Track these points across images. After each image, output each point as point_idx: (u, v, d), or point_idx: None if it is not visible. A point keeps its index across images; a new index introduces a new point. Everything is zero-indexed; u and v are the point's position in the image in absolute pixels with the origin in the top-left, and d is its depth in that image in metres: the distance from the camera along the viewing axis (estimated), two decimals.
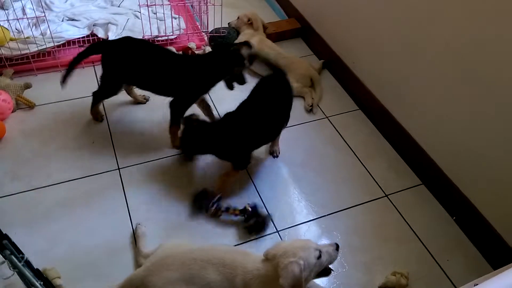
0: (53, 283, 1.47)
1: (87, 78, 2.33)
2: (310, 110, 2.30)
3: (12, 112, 2.11)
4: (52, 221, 1.69)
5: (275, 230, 1.74)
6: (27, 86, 2.19)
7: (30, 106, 2.16)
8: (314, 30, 2.68)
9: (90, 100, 2.04)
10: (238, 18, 2.65)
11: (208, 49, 2.46)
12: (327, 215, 1.81)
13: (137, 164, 1.94)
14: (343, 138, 2.17)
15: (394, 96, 2.10)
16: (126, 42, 1.91)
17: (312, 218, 1.79)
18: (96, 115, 2.12)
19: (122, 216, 1.73)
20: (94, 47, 1.95)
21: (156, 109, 2.18)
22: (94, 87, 2.02)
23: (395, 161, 2.08)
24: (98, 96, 2.04)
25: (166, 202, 1.80)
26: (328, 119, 2.27)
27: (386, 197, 1.90)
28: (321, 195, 1.89)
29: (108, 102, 2.16)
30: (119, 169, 1.91)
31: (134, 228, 1.69)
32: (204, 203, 1.73)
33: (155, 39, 2.52)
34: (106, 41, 2.02)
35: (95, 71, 2.38)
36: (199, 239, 1.66)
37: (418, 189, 1.96)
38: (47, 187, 1.81)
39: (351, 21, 2.31)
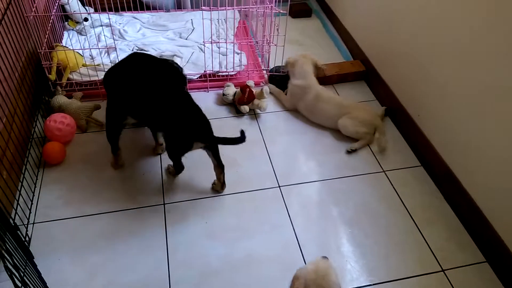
0: None
1: None
2: (383, 150, 2.25)
3: (83, 132, 2.23)
4: (94, 252, 1.72)
5: None
6: (97, 107, 2.31)
7: (102, 125, 2.28)
8: (379, 74, 2.56)
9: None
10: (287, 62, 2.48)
11: (267, 89, 2.41)
12: (373, 284, 1.67)
13: (183, 201, 1.93)
14: (399, 197, 2.01)
15: (462, 158, 1.91)
16: None
17: (356, 286, 1.65)
18: None
19: (160, 257, 1.72)
20: None
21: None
22: None
23: (456, 230, 1.88)
24: None
25: (208, 244, 1.75)
26: (385, 174, 2.13)
27: (442, 272, 1.72)
28: (368, 260, 1.75)
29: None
30: (164, 204, 1.92)
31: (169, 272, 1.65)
32: None
33: (216, 74, 2.54)
34: None
35: None
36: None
37: (480, 267, 1.74)
38: (95, 215, 1.86)
39: (420, 74, 2.16)
